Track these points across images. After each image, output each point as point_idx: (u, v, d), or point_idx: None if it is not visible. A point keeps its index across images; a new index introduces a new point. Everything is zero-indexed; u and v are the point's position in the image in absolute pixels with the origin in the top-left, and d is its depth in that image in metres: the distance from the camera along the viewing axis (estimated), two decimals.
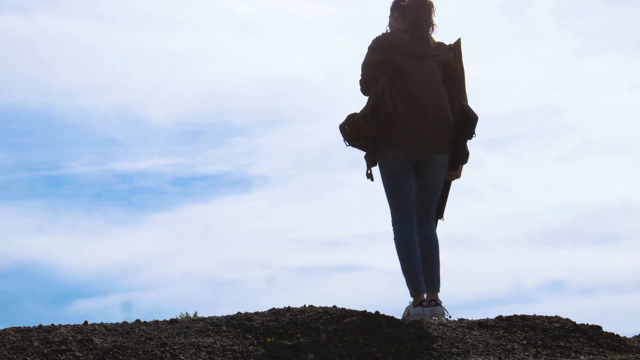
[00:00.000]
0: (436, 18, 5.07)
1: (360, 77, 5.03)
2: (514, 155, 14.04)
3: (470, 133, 4.99)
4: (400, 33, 5.01)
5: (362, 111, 4.95)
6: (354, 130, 4.95)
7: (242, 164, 14.37)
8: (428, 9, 5.03)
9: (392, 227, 5.00)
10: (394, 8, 5.12)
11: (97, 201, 13.95)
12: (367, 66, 4.97)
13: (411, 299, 4.95)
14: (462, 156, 5.06)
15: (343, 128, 5.00)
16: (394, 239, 4.96)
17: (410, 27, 5.00)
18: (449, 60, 5.02)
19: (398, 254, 4.94)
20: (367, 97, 5.03)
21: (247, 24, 14.67)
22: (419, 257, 4.90)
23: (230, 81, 14.80)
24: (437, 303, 4.92)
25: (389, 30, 5.12)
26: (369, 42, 5.04)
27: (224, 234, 12.83)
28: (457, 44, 5.14)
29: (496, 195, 13.36)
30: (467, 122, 4.97)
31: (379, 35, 5.03)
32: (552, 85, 14.42)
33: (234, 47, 14.79)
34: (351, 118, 4.98)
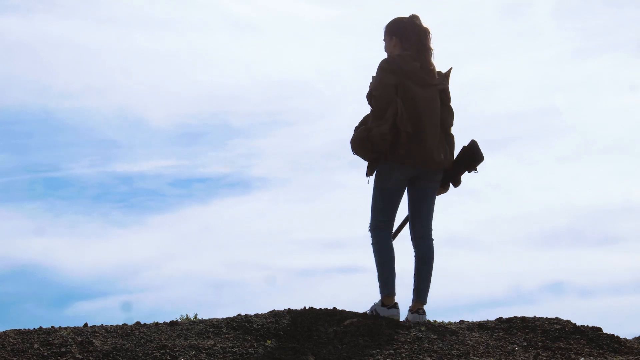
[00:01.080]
0: (433, 44, 5.27)
1: (372, 94, 5.18)
2: (514, 156, 14.03)
3: (472, 169, 5.33)
4: (409, 59, 5.18)
5: (380, 130, 5.07)
6: (367, 145, 5.10)
7: (242, 165, 14.36)
8: (427, 35, 5.25)
9: (370, 232, 5.17)
10: (393, 34, 5.29)
11: (96, 203, 13.94)
12: (383, 87, 5.13)
13: (378, 300, 5.10)
14: (457, 183, 5.39)
15: (357, 140, 5.15)
16: (373, 243, 5.15)
17: (418, 55, 5.21)
18: (446, 87, 5.31)
19: (377, 259, 5.13)
20: (373, 111, 5.17)
21: (247, 26, 14.68)
22: (394, 264, 5.12)
23: (230, 83, 14.80)
24: (424, 312, 5.13)
25: (389, 54, 5.28)
26: (381, 63, 5.18)
27: (224, 235, 12.82)
28: (449, 72, 5.36)
29: (496, 196, 13.35)
30: (472, 161, 5.31)
31: (390, 58, 5.20)
32: (552, 86, 14.41)
33: (233, 49, 14.79)
34: (365, 132, 5.10)
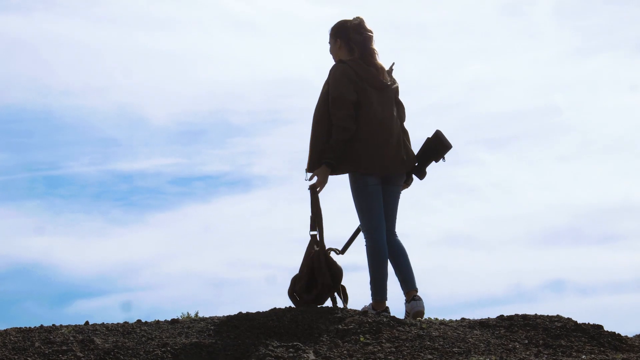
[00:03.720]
0: (376, 45, 5.32)
1: (336, 105, 5.15)
2: (514, 155, 14.04)
3: (439, 158, 5.39)
4: (363, 64, 5.24)
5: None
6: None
7: (242, 163, 14.36)
8: (371, 38, 5.30)
9: (366, 236, 5.24)
10: (338, 37, 5.34)
11: (97, 201, 13.95)
12: (346, 103, 5.14)
13: (369, 303, 5.21)
14: (422, 176, 5.44)
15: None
16: (370, 246, 5.22)
17: (362, 58, 5.25)
18: (397, 86, 5.40)
19: (372, 263, 5.20)
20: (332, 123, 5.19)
21: (247, 24, 14.67)
22: (387, 269, 5.22)
23: (230, 81, 14.80)
24: (420, 297, 5.21)
25: (335, 57, 5.35)
26: (335, 73, 5.19)
27: (225, 234, 12.82)
28: (392, 68, 5.41)
29: (497, 195, 13.36)
30: (441, 149, 5.36)
31: (345, 67, 5.21)
32: (552, 85, 14.42)
33: (234, 47, 14.79)
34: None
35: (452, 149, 5.35)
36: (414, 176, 5.44)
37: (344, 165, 5.18)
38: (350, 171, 5.22)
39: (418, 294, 5.20)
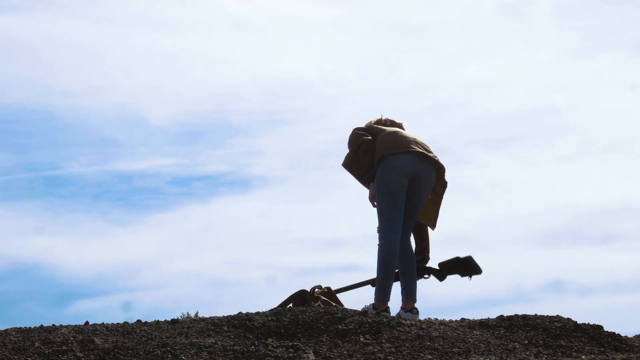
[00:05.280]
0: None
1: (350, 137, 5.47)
2: (514, 155, 14.05)
3: (465, 276, 5.65)
4: (380, 120, 5.59)
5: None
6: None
7: (242, 164, 14.37)
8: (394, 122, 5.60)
9: (379, 233, 5.27)
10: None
11: (96, 201, 13.95)
12: (356, 131, 5.47)
13: (371, 302, 5.23)
14: (441, 279, 5.68)
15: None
16: (381, 246, 5.24)
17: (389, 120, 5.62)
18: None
19: (380, 262, 5.22)
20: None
21: (247, 25, 14.69)
22: (394, 270, 5.27)
23: (230, 82, 14.81)
24: (418, 311, 5.29)
25: None
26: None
27: (224, 234, 12.82)
28: None
29: (496, 195, 13.37)
30: (471, 271, 5.62)
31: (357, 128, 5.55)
32: (552, 85, 14.44)
33: (233, 48, 14.80)
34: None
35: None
36: (432, 276, 5.61)
37: (373, 167, 5.33)
38: (377, 164, 5.31)
39: (416, 305, 5.28)
